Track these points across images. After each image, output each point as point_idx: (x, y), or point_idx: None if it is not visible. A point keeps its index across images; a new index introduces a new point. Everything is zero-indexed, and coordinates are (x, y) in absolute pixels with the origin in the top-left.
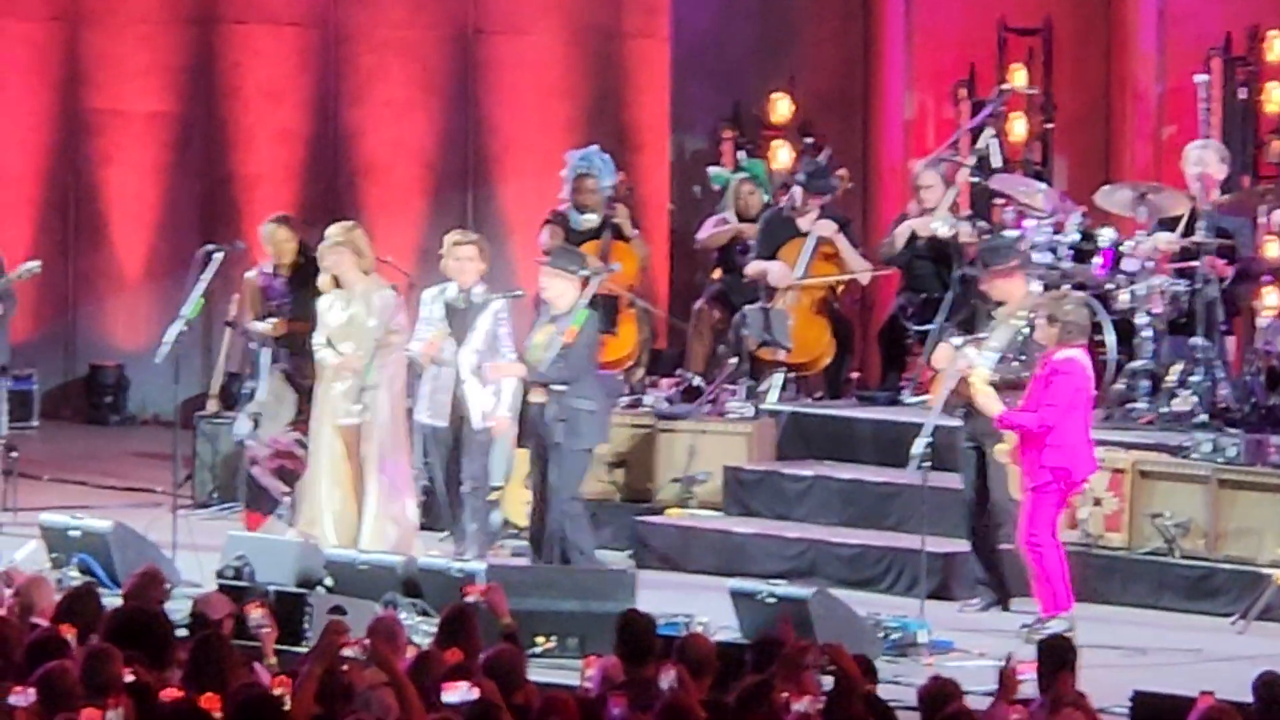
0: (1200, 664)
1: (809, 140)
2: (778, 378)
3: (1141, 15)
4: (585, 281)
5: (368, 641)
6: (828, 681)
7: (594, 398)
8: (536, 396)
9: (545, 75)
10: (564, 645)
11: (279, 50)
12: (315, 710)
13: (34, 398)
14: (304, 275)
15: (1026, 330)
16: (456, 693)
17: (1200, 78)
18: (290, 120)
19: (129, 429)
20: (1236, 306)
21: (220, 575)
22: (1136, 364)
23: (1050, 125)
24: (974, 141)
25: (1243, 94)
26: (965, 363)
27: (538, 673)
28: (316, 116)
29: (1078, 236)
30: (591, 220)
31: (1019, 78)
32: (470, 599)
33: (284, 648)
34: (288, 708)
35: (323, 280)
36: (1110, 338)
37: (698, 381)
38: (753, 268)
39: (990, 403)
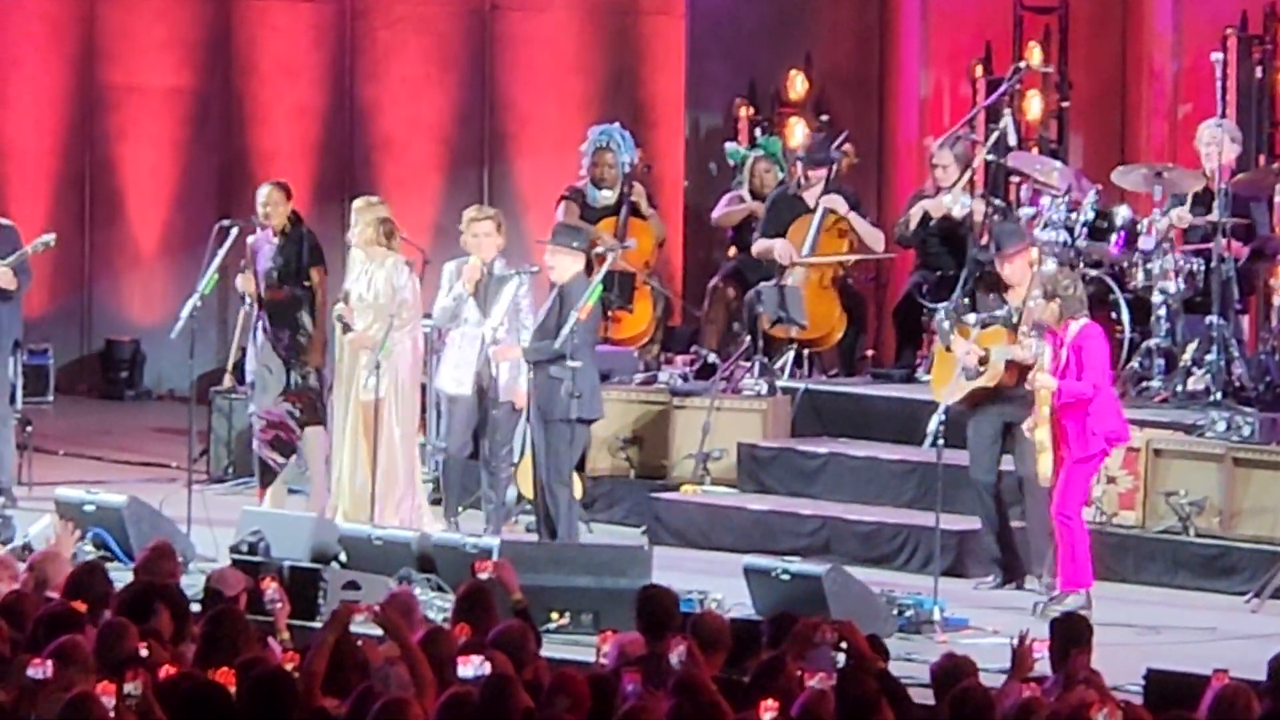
0: (1214, 642)
1: (824, 118)
2: (788, 354)
3: None
4: (600, 258)
5: (378, 608)
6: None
7: (595, 373)
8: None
9: (561, 51)
10: (578, 621)
11: (295, 26)
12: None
13: (49, 372)
14: (288, 242)
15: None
16: (471, 666)
17: (1216, 56)
18: (306, 96)
19: (144, 404)
20: (1252, 285)
21: (235, 550)
22: (1151, 342)
23: (1066, 104)
24: (989, 120)
25: (1259, 73)
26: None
27: (552, 648)
28: (333, 92)
29: (1093, 215)
30: (608, 196)
31: (1035, 56)
32: (482, 575)
33: (298, 623)
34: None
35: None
36: (1125, 316)
37: (712, 358)
38: (758, 246)
39: (1048, 379)
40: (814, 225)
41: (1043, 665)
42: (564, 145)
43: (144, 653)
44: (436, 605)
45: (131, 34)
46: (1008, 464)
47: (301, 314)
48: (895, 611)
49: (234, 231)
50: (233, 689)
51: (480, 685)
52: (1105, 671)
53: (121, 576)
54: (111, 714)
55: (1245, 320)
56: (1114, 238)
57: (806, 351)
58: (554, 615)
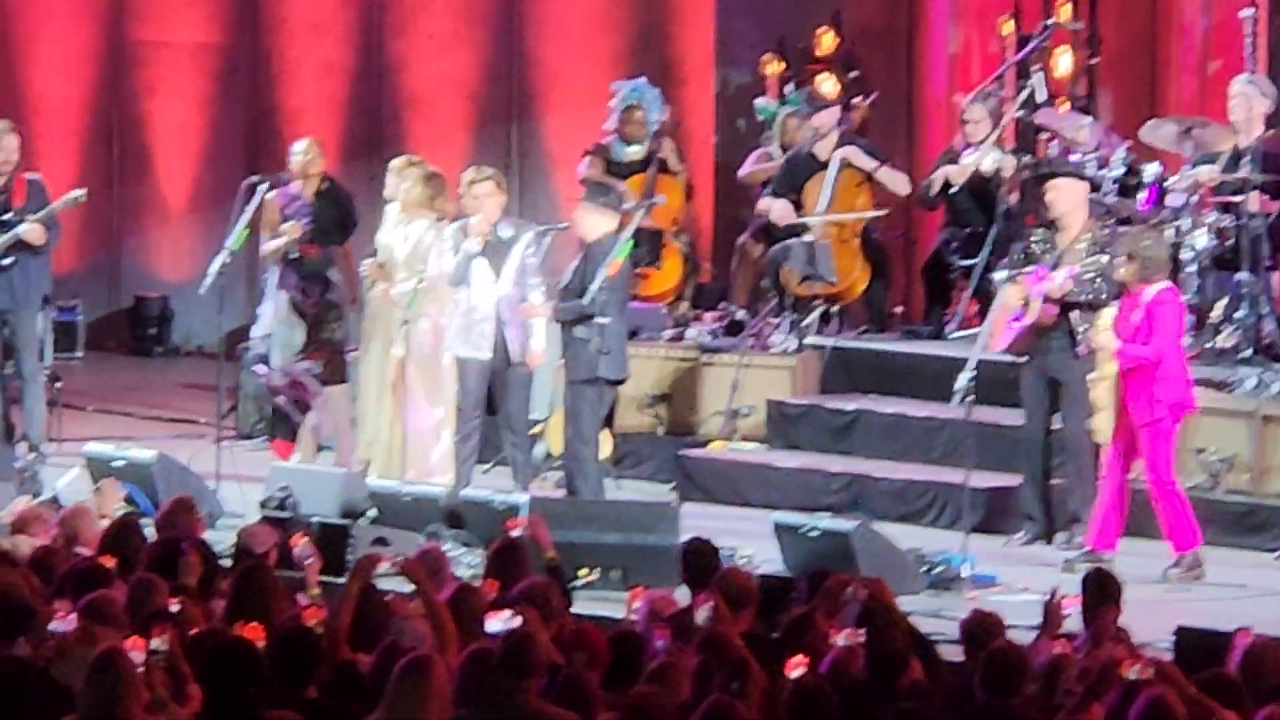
0: (1244, 599)
1: (853, 74)
2: (817, 311)
3: None
4: (629, 215)
5: (400, 559)
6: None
7: (623, 331)
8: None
9: (590, 8)
10: (606, 577)
11: None
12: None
13: (78, 329)
14: (326, 201)
15: (1100, 250)
16: (499, 622)
17: (1246, 12)
18: (334, 53)
19: (173, 360)
20: None
21: (264, 506)
22: (1183, 299)
23: (1095, 60)
24: (1019, 76)
25: None
26: (1054, 284)
27: (581, 605)
28: (360, 49)
29: (1123, 171)
30: (636, 152)
31: (1064, 12)
32: (514, 533)
33: (327, 578)
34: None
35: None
36: None
37: (741, 315)
38: (760, 204)
39: (1110, 339)
40: (828, 180)
41: (1072, 622)
42: (593, 102)
43: (174, 608)
44: (465, 562)
45: None
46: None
47: (333, 271)
48: (924, 568)
49: (262, 188)
50: (261, 644)
51: (501, 641)
52: (1135, 628)
53: (152, 533)
54: (140, 669)
55: (1275, 276)
56: (1143, 194)
57: (835, 307)
58: (582, 572)
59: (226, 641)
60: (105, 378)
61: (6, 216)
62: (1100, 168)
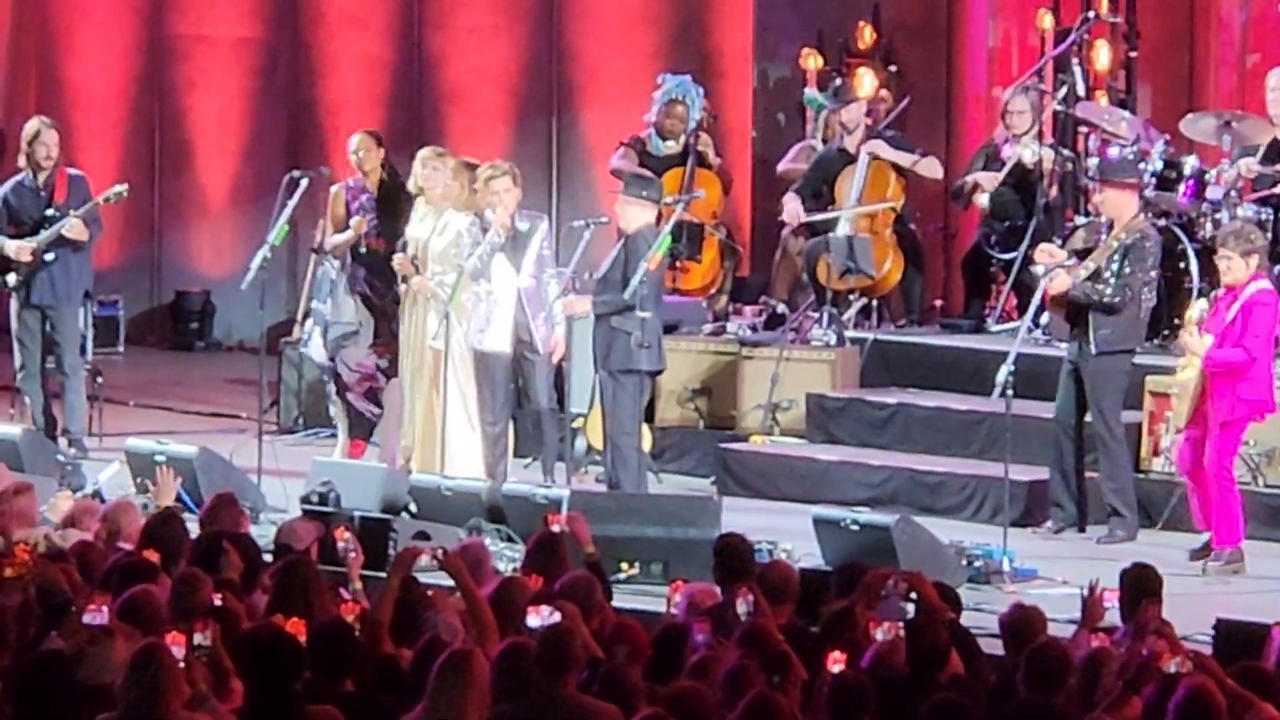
0: None
1: (892, 68)
2: (856, 305)
3: None
4: (668, 209)
5: (440, 552)
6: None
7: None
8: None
9: (629, 2)
10: (648, 571)
11: None
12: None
13: (119, 323)
14: (389, 194)
15: (1121, 252)
16: (539, 616)
17: None
18: (374, 46)
19: (214, 355)
20: None
21: (305, 501)
22: (1219, 292)
23: (1134, 53)
24: (1058, 70)
25: None
26: (1056, 282)
27: (622, 599)
28: (400, 43)
29: (1161, 165)
30: (672, 147)
31: (1103, 5)
32: (554, 528)
33: (369, 573)
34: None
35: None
36: (1194, 266)
37: (781, 309)
38: (785, 199)
39: (1196, 343)
40: (858, 174)
41: (1113, 616)
42: (632, 95)
43: (217, 603)
44: (506, 556)
45: None
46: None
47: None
48: (964, 562)
49: (303, 182)
50: (303, 639)
51: (540, 636)
52: (1174, 621)
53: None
54: (181, 664)
55: None
56: (1182, 188)
57: (872, 300)
58: (624, 565)
59: (269, 636)
60: (146, 373)
61: (49, 212)
62: (1139, 161)
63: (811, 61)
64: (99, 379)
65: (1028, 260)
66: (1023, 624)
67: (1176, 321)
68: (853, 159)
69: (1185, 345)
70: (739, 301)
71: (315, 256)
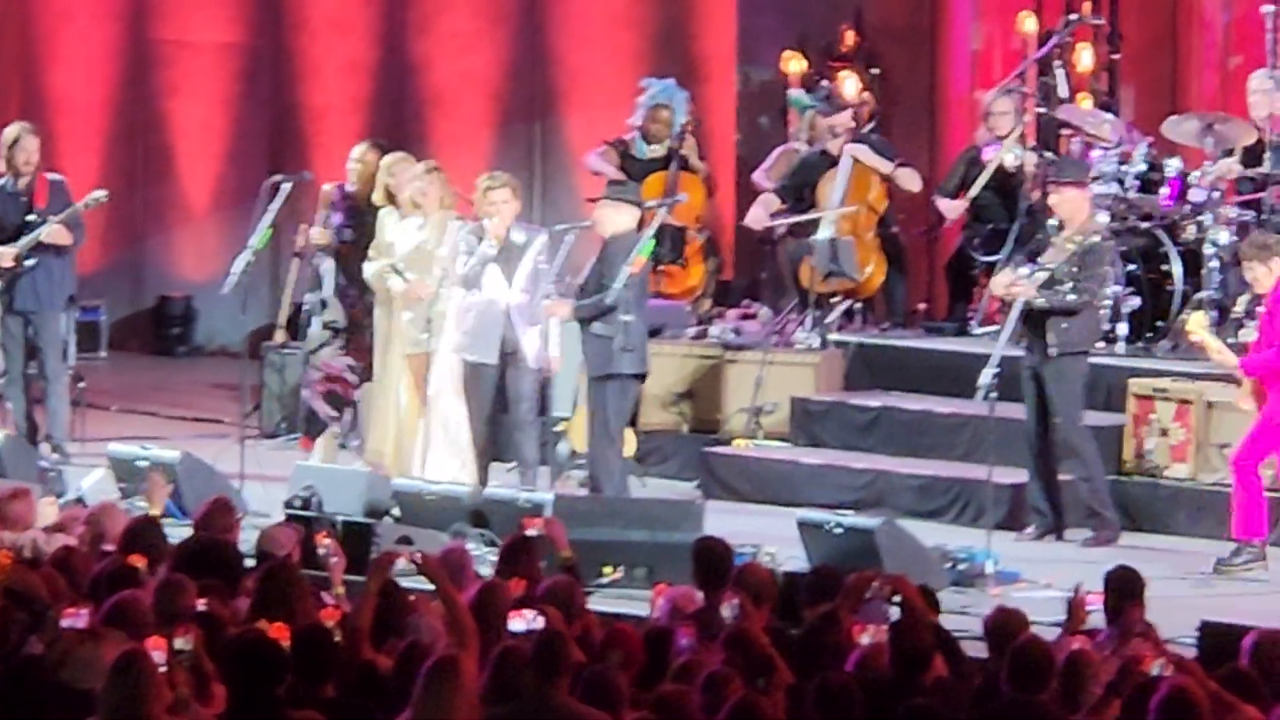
0: (1268, 594)
1: (875, 71)
2: (840, 308)
3: None
4: (652, 213)
5: (418, 556)
6: (894, 613)
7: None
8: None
9: (612, 6)
10: (631, 575)
11: None
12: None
13: (102, 328)
14: (368, 209)
15: (1079, 255)
16: (522, 621)
17: (1267, 8)
18: (357, 51)
19: (196, 360)
20: None
21: (288, 505)
22: (1203, 294)
23: (1117, 56)
24: (1041, 72)
25: None
26: (1019, 287)
27: (606, 603)
28: (383, 48)
29: (1144, 167)
30: (656, 151)
31: (1086, 8)
32: (530, 532)
33: (352, 578)
34: (338, 640)
35: (378, 196)
36: (1177, 268)
37: (764, 311)
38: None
39: (1225, 355)
40: (840, 176)
41: (1096, 618)
42: (615, 100)
43: (202, 607)
44: (490, 560)
45: None
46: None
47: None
48: (948, 565)
49: (286, 187)
50: (286, 644)
51: (533, 640)
52: (1159, 624)
53: (175, 532)
54: (162, 669)
55: None
56: (1165, 190)
57: (856, 304)
58: (607, 570)
59: (252, 641)
60: (129, 377)
61: (29, 218)
62: (1122, 164)
63: (794, 65)
64: (81, 384)
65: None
66: (1006, 626)
67: (1159, 324)
68: (835, 162)
69: (1215, 358)
70: (722, 305)
71: (297, 261)
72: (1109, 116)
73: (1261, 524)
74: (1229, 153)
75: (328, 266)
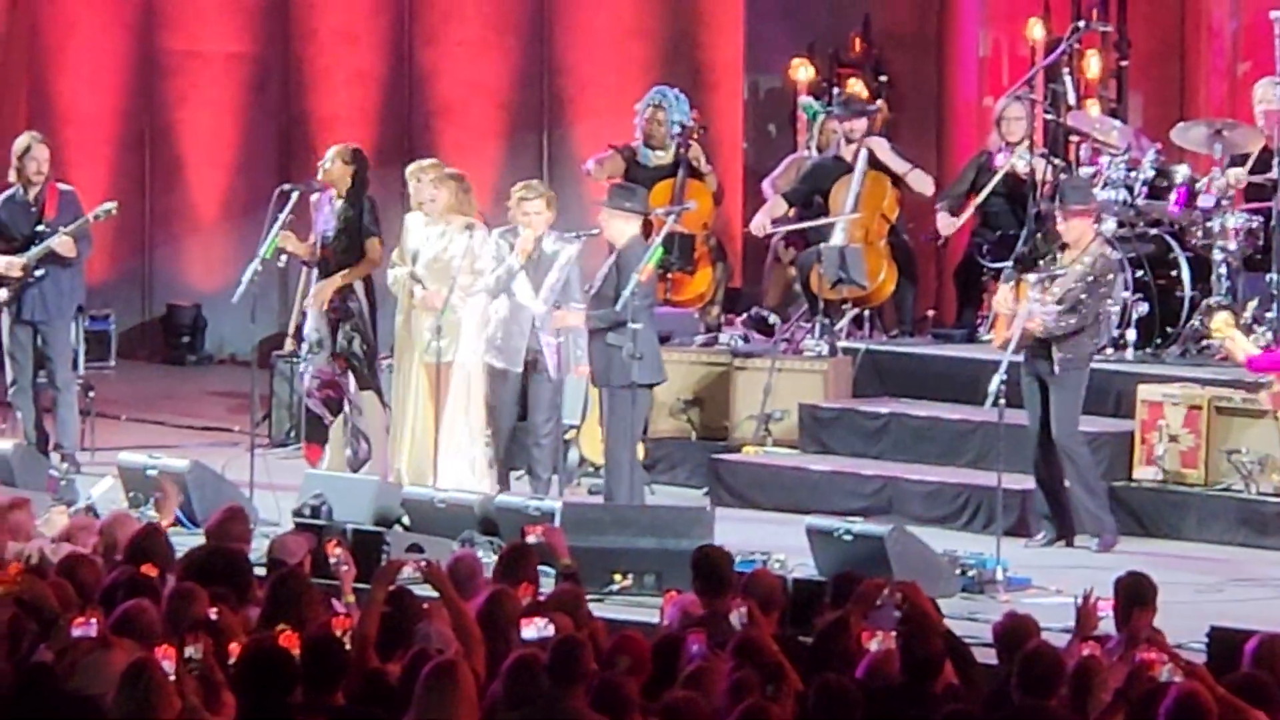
0: (1277, 599)
1: (883, 78)
2: (849, 315)
3: None
4: (660, 220)
5: (424, 562)
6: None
7: (654, 336)
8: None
9: (620, 15)
10: (641, 583)
11: None
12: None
13: (111, 338)
14: (353, 209)
15: (1085, 275)
16: (534, 629)
17: (1276, 14)
18: (365, 61)
19: (206, 368)
20: None
21: (297, 514)
22: (1212, 300)
23: (1125, 62)
24: (1049, 79)
25: None
26: (1030, 318)
27: (615, 610)
28: (392, 57)
29: (1152, 173)
30: (661, 157)
31: (1094, 14)
32: (530, 539)
33: (362, 586)
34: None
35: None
36: (1185, 274)
37: (772, 319)
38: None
39: (1237, 348)
40: (854, 181)
41: (1107, 624)
42: (623, 109)
43: (213, 616)
44: None
45: (191, 0)
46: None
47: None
48: (958, 571)
49: (295, 196)
50: (297, 652)
51: (549, 647)
52: (1168, 629)
53: (184, 541)
54: (172, 678)
55: None
56: (1173, 196)
57: (865, 311)
58: (617, 577)
59: (263, 649)
60: (138, 387)
61: (39, 228)
62: (1130, 170)
63: (802, 72)
64: (91, 394)
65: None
66: (1015, 632)
67: (1168, 329)
68: (849, 168)
69: (1230, 350)
70: (731, 312)
71: (306, 270)
72: (1117, 123)
73: None
74: (1239, 159)
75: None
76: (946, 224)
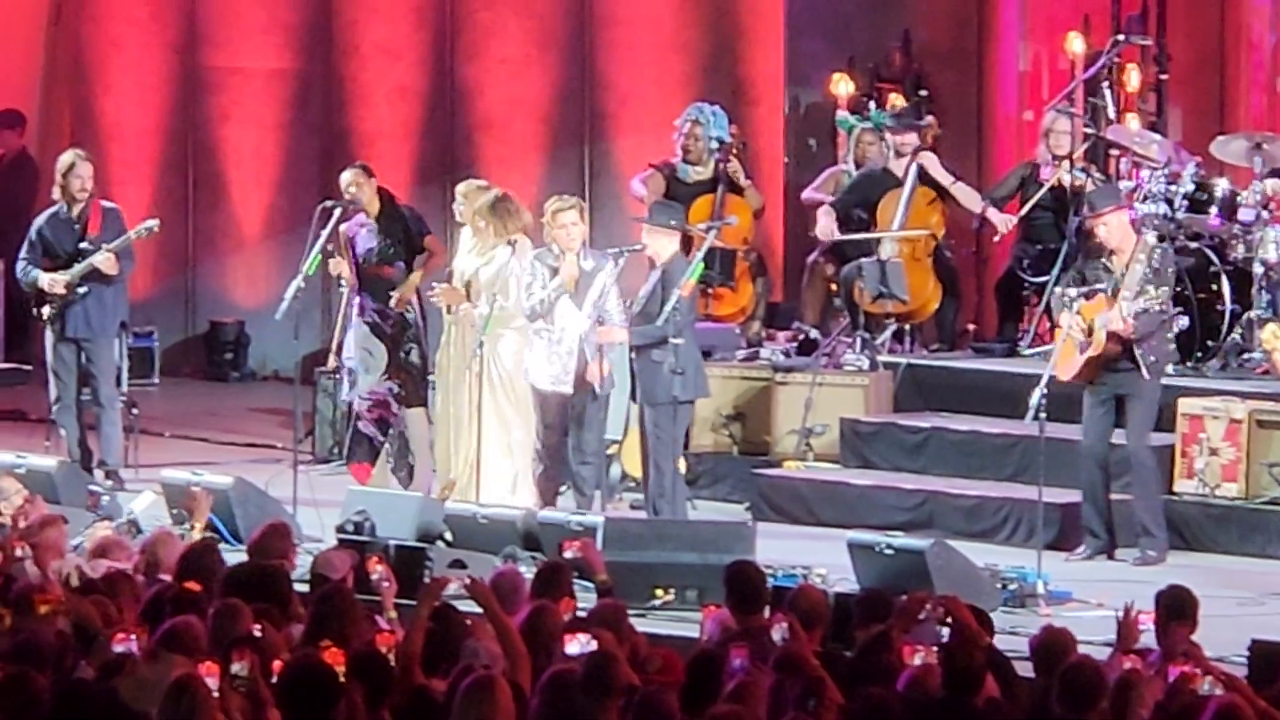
0: None
1: (923, 92)
2: (889, 329)
3: None
4: (700, 236)
5: (469, 579)
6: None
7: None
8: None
9: (661, 30)
10: (683, 597)
11: (396, 7)
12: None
13: (154, 355)
14: (393, 222)
15: (1152, 268)
16: (577, 644)
17: None
18: (407, 77)
19: (249, 385)
20: None
21: (340, 530)
22: (1252, 313)
23: (1165, 76)
24: (1089, 93)
25: None
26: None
27: (657, 624)
28: (433, 73)
29: (1192, 187)
30: (700, 173)
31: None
32: (567, 554)
33: (404, 602)
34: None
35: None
36: (1226, 288)
37: (814, 334)
38: (819, 215)
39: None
40: (904, 198)
41: (1148, 638)
42: (664, 124)
43: (257, 632)
44: None
45: (233, 17)
46: (1120, 437)
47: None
48: (999, 585)
49: (337, 212)
50: (341, 669)
51: (582, 663)
52: (1209, 643)
53: (229, 558)
54: (216, 694)
55: None
56: (1213, 210)
57: (906, 325)
58: (659, 592)
59: (308, 666)
60: (181, 403)
61: (83, 245)
62: (1170, 184)
63: (842, 86)
64: (134, 410)
65: (1059, 283)
66: (1052, 646)
67: (1209, 343)
68: (898, 182)
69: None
70: (772, 327)
71: (348, 288)
72: (1157, 137)
73: None
74: (1277, 172)
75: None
76: (1001, 220)
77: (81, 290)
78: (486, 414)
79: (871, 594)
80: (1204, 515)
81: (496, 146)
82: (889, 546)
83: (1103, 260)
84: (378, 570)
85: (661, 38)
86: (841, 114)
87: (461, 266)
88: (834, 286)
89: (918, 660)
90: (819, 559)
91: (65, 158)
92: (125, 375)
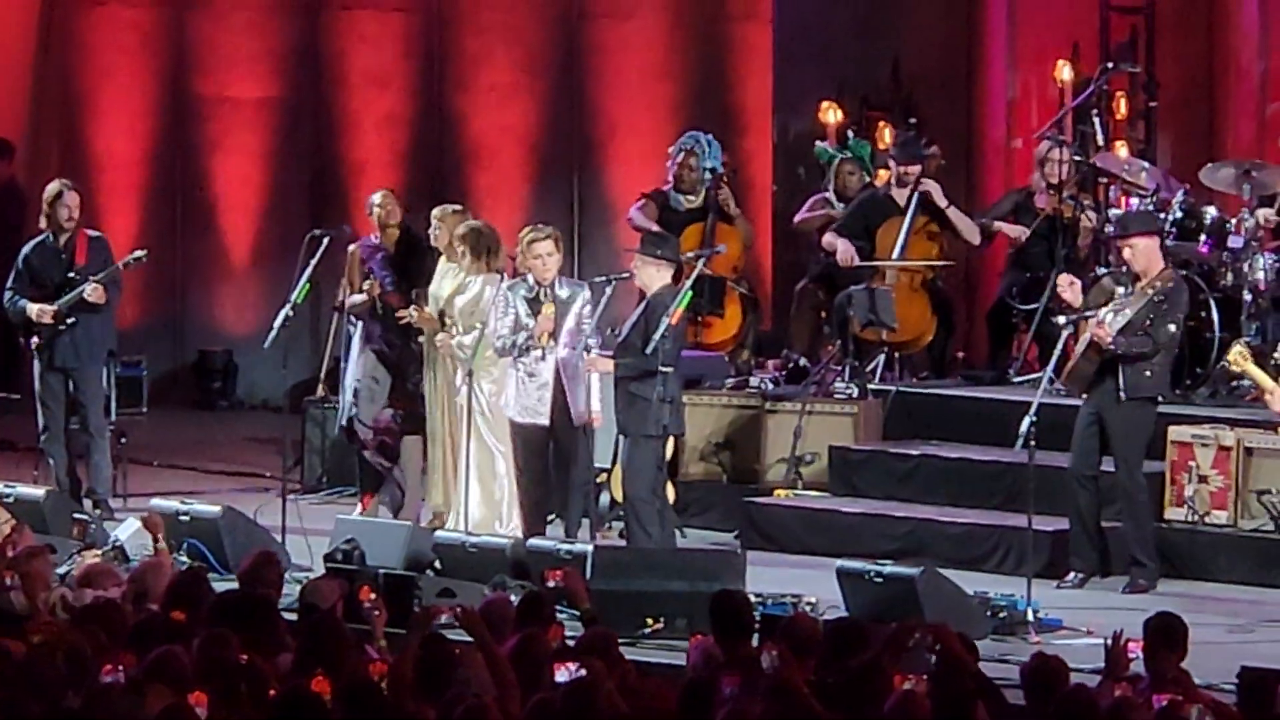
0: None
1: (912, 120)
2: (879, 357)
3: None
4: (689, 264)
5: (460, 609)
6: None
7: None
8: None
9: (649, 58)
10: (672, 626)
11: (384, 36)
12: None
13: (143, 383)
14: (405, 250)
15: (1156, 303)
16: (566, 673)
17: None
18: (396, 105)
19: (238, 414)
20: None
21: (329, 559)
22: (1241, 341)
23: (1153, 103)
24: (1077, 121)
25: None
26: (1100, 329)
27: (647, 653)
28: (422, 101)
29: (1181, 214)
30: (693, 201)
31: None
32: (550, 584)
33: (394, 630)
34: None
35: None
36: (1215, 315)
37: (803, 362)
38: (827, 238)
39: (1267, 382)
40: (904, 227)
41: (1138, 666)
42: (653, 152)
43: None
44: None
45: (222, 45)
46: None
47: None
48: (989, 613)
49: (325, 241)
50: (328, 698)
51: (565, 689)
52: (1198, 670)
53: (217, 587)
54: None
55: None
56: (1202, 237)
57: (897, 354)
58: (649, 621)
59: (296, 695)
60: (170, 432)
61: (70, 274)
62: (1159, 211)
63: (831, 115)
64: (123, 439)
65: (1049, 311)
66: (1044, 674)
67: (1198, 370)
68: (900, 210)
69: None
70: (761, 355)
71: (338, 315)
72: (1146, 164)
73: None
74: (1268, 200)
75: (348, 330)
76: (1015, 230)
77: (69, 321)
78: (473, 442)
79: (846, 624)
80: (1193, 542)
81: (485, 174)
82: (879, 574)
83: (1127, 279)
84: (369, 599)
85: (651, 66)
86: (820, 145)
87: (436, 291)
88: (824, 314)
89: (906, 688)
90: (809, 587)
91: (52, 187)
92: (114, 404)
